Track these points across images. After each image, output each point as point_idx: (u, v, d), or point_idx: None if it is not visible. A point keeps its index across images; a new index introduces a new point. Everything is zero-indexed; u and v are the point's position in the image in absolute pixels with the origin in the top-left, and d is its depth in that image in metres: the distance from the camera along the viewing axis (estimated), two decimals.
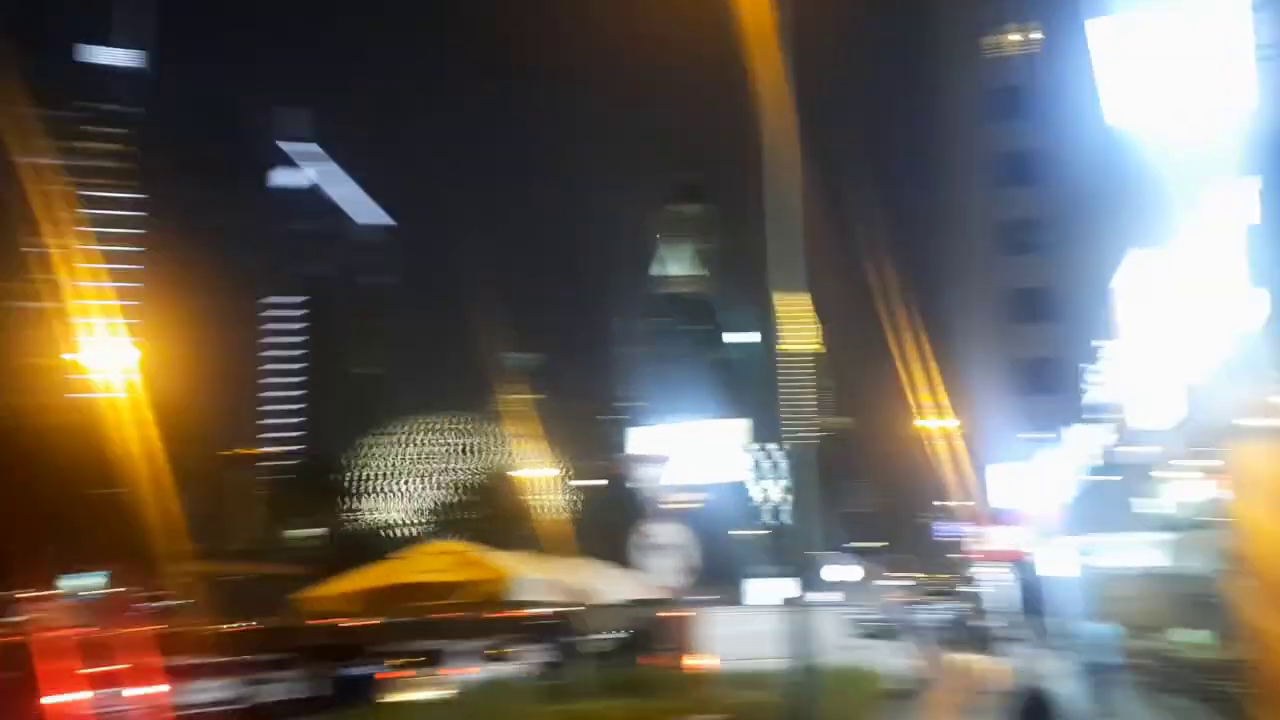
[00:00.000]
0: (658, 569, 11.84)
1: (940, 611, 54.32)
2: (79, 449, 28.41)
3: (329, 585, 11.20)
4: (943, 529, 67.98)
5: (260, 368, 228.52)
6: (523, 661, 33.19)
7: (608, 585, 13.91)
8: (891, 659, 21.54)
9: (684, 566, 12.03)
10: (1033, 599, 37.42)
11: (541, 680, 20.42)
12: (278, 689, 27.24)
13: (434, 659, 29.29)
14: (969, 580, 52.31)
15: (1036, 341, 47.47)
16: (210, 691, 25.84)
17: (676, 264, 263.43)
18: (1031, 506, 36.49)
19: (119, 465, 28.66)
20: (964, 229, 51.05)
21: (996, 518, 40.46)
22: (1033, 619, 31.97)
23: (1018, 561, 41.06)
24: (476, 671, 30.22)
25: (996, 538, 39.95)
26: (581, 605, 12.51)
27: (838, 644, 18.93)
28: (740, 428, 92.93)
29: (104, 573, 58.18)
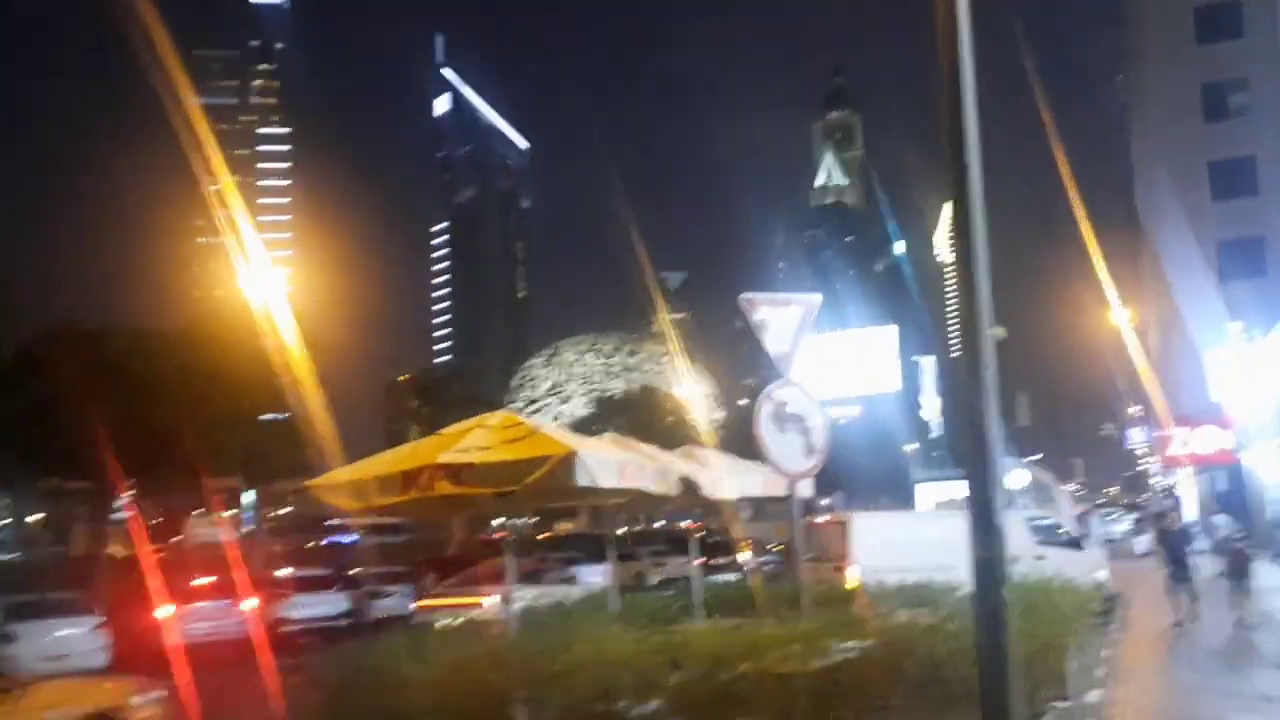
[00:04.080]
0: (784, 448, 8.86)
1: (1128, 523, 49.58)
2: (244, 374, 27.89)
3: (347, 470, 8.70)
4: (1129, 435, 62.36)
5: (411, 289, 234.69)
6: (656, 575, 31.27)
7: (727, 477, 10.97)
8: (1080, 571, 17.94)
9: (816, 447, 8.99)
10: (1241, 505, 32.84)
11: (667, 595, 18.05)
12: (395, 603, 26.11)
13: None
14: (1163, 489, 47.32)
15: (1242, 219, 41.63)
16: (324, 605, 24.95)
17: (827, 174, 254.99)
18: (1241, 403, 31.59)
19: (280, 389, 28.39)
20: (1157, 95, 44.88)
21: (1197, 418, 35.52)
22: (1246, 527, 27.44)
23: (1225, 465, 36.17)
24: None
25: (1197, 440, 35.11)
26: (688, 495, 9.63)
27: (1019, 553, 15.67)
28: (890, 334, 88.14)
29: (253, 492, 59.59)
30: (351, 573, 28.08)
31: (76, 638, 18.70)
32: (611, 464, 8.10)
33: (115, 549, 34.25)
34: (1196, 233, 40.80)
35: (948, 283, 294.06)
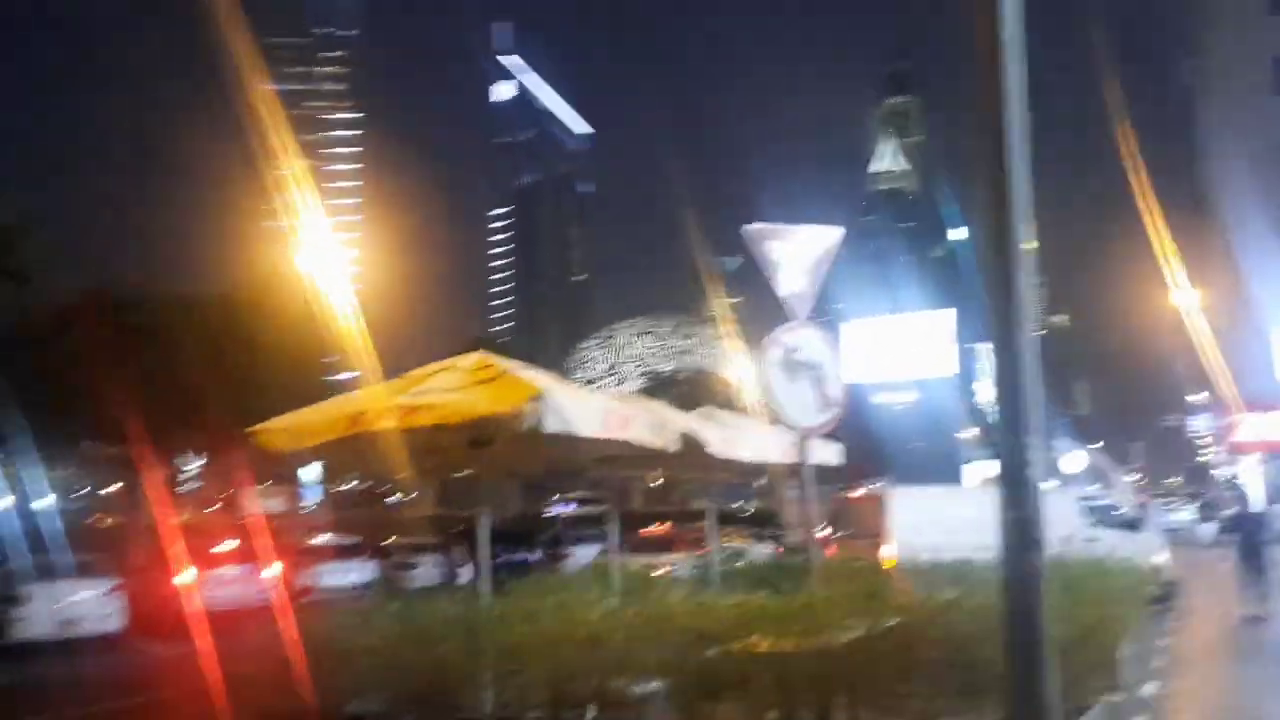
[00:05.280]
0: (794, 400, 7.81)
1: (1190, 511, 47.43)
2: (288, 343, 27.54)
3: (298, 413, 7.86)
4: (1192, 423, 59.89)
5: (473, 272, 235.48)
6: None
7: (740, 437, 9.93)
8: (1137, 553, 16.68)
9: (831, 399, 7.92)
10: None
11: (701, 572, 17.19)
12: (425, 573, 25.60)
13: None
14: (1225, 479, 45.18)
15: None
16: (352, 574, 24.49)
17: (885, 160, 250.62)
18: None
19: (330, 362, 28.00)
20: (1226, 68, 42.61)
21: (1266, 403, 33.60)
22: None
23: None
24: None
25: (1266, 426, 33.21)
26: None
27: (1070, 533, 14.48)
28: (947, 318, 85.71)
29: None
30: (385, 542, 27.78)
31: (89, 601, 18.23)
32: (591, 409, 7.13)
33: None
34: (1267, 210, 38.63)
35: None
